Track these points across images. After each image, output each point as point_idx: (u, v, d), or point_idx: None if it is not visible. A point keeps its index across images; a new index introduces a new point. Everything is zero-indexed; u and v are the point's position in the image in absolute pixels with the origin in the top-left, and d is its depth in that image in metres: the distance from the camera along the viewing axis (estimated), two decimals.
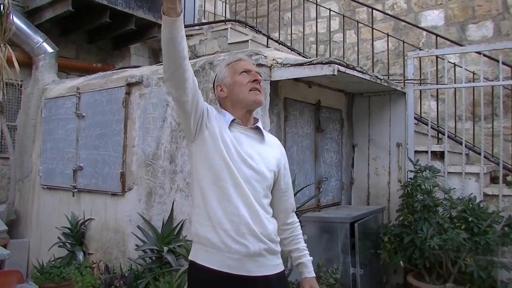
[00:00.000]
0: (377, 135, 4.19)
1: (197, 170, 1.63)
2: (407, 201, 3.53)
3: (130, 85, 3.78)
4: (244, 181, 1.58)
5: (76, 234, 3.97)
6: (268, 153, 1.70)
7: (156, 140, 3.54)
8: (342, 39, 5.86)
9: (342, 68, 3.01)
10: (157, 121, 3.55)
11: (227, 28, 5.36)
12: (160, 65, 4.15)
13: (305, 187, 3.43)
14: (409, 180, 3.65)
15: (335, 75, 2.94)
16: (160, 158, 3.49)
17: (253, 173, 1.61)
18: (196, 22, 5.99)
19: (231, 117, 1.66)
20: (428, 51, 4.09)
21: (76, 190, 4.13)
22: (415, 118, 4.19)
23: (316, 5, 5.28)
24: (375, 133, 4.22)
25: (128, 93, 3.79)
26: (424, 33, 5.52)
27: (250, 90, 1.67)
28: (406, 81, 4.06)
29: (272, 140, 1.78)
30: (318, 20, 5.53)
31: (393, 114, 4.10)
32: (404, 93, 4.01)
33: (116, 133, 3.83)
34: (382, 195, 4.12)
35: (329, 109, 3.96)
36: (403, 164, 3.99)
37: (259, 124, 1.73)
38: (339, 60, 3.05)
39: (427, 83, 4.12)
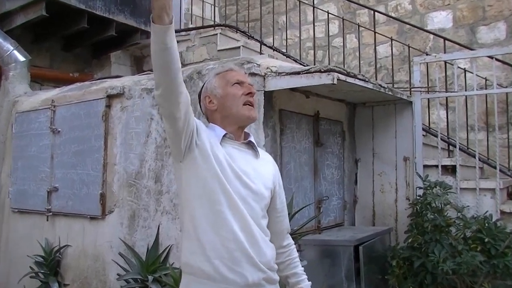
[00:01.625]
0: (382, 148, 4.24)
1: (186, 192, 1.62)
2: (417, 220, 3.54)
3: (110, 97, 3.81)
4: (241, 201, 1.59)
5: (51, 263, 3.93)
6: (263, 169, 1.72)
7: (140, 158, 3.56)
8: (342, 44, 5.90)
9: (342, 77, 3.05)
10: (141, 136, 3.57)
11: (216, 34, 5.43)
12: (144, 74, 4.17)
13: (304, 207, 3.45)
14: (418, 197, 3.68)
15: (335, 84, 2.98)
16: (144, 177, 3.51)
17: (249, 192, 1.62)
18: (182, 27, 6.06)
19: (223, 131, 1.67)
20: (435, 56, 4.15)
21: (50, 213, 4.10)
22: (423, 129, 4.25)
23: (313, 7, 5.32)
24: (379, 146, 4.26)
25: (108, 106, 3.81)
26: (431, 36, 5.61)
27: (243, 104, 1.68)
28: (412, 89, 4.12)
29: (265, 156, 1.81)
30: (315, 24, 5.58)
31: (399, 125, 4.15)
32: (411, 102, 4.07)
33: (96, 150, 3.84)
34: (388, 214, 4.15)
35: (329, 121, 4.01)
36: (411, 180, 4.03)
37: (252, 139, 1.75)
38: (338, 67, 3.09)
39: (436, 91, 4.19)
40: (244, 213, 1.58)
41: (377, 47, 4.85)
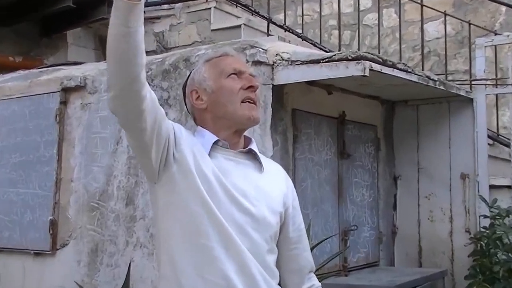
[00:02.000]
0: (431, 162, 4.37)
1: (163, 221, 1.68)
2: (482, 262, 3.66)
3: (67, 90, 3.98)
4: (237, 232, 1.63)
5: None
6: (270, 186, 1.76)
7: (106, 172, 3.73)
8: (376, 22, 5.98)
9: (376, 66, 3.21)
10: (108, 143, 3.74)
11: (209, 8, 5.58)
12: None
13: (325, 240, 3.58)
14: (482, 229, 3.83)
15: (366, 76, 3.13)
16: (112, 198, 3.68)
17: (248, 219, 1.65)
18: None
19: (213, 138, 1.73)
20: (508, 36, 4.30)
21: None
22: (489, 136, 4.39)
23: None
24: (427, 159, 4.39)
25: (64, 103, 3.99)
26: (503, 8, 5.74)
27: (242, 102, 1.73)
28: (473, 82, 4.29)
29: (272, 168, 1.87)
30: None
31: (455, 131, 4.29)
32: (471, 99, 4.22)
33: (45, 162, 4.00)
34: (441, 251, 4.27)
35: (358, 125, 4.16)
36: (471, 206, 4.17)
37: (253, 146, 1.80)
38: (371, 54, 3.25)
39: (507, 84, 4.33)
40: (240, 248, 1.61)
41: (425, 26, 4.98)
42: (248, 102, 1.74)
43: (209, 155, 1.69)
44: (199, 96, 1.78)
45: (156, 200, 1.70)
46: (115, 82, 1.51)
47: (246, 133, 1.83)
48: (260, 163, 1.78)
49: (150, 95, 1.56)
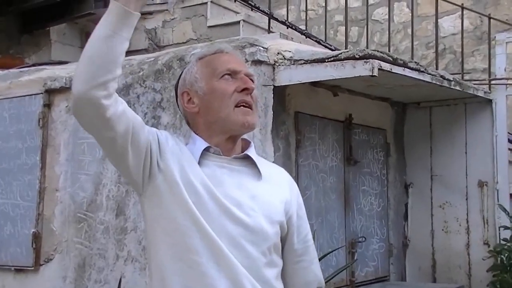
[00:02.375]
0: (446, 168, 4.37)
1: (152, 236, 1.72)
2: (502, 277, 3.67)
3: (51, 92, 4.00)
4: (229, 246, 1.64)
5: None
6: (270, 194, 1.77)
7: (95, 180, 3.74)
8: (386, 17, 6.04)
9: (386, 65, 3.20)
10: (96, 149, 3.74)
11: (206, 2, 5.60)
12: None
13: (331, 252, 3.60)
14: (502, 242, 3.83)
15: (375, 76, 3.13)
16: (101, 209, 3.68)
17: (242, 230, 1.67)
18: None
19: (203, 145, 1.73)
20: None
21: None
22: (509, 140, 4.39)
23: None
24: (441, 165, 4.40)
25: (47, 105, 4.01)
26: None
27: (236, 106, 1.73)
28: (493, 82, 4.30)
29: (274, 173, 1.87)
30: None
31: (472, 135, 4.29)
32: (491, 100, 4.22)
33: (28, 170, 4.01)
34: (457, 266, 4.26)
35: (366, 129, 4.18)
36: (490, 216, 4.17)
37: (251, 152, 1.80)
38: (381, 52, 3.24)
39: None
40: (232, 263, 1.62)
41: (440, 20, 4.98)
42: (243, 106, 1.73)
43: (200, 163, 1.70)
44: (190, 98, 1.79)
45: (144, 213, 1.74)
46: (89, 77, 1.51)
47: (245, 135, 1.82)
48: (258, 169, 1.77)
49: (121, 105, 1.57)
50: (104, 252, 3.68)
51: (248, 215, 1.68)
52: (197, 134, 1.78)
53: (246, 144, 1.83)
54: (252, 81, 1.79)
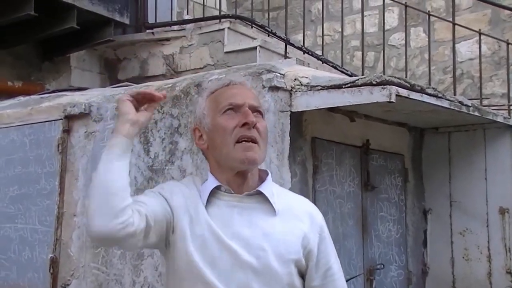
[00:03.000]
0: (465, 194, 4.35)
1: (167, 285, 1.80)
2: None
3: (70, 118, 4.04)
4: None
5: None
6: (283, 231, 1.74)
7: None
8: (403, 42, 6.03)
9: (403, 91, 3.22)
10: None
11: (223, 29, 5.64)
12: (119, 86, 4.43)
13: (349, 280, 3.52)
14: None
15: (392, 102, 3.14)
16: None
17: (251, 275, 1.66)
18: (174, 18, 6.29)
19: (213, 184, 1.74)
20: None
21: None
22: None
23: None
24: (461, 191, 4.38)
25: (67, 131, 4.05)
26: None
27: (237, 142, 1.71)
28: None
29: (295, 204, 1.84)
30: (365, 13, 5.73)
31: (491, 161, 4.28)
32: (510, 126, 4.22)
33: (46, 195, 4.04)
34: None
35: (384, 154, 4.19)
36: None
37: (266, 184, 1.77)
38: (398, 78, 3.26)
39: None
40: None
41: (457, 46, 4.97)
42: (245, 141, 1.71)
43: (210, 202, 1.72)
44: (201, 135, 1.80)
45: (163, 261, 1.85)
46: (99, 217, 1.58)
47: (262, 164, 1.81)
48: (272, 204, 1.76)
49: (136, 214, 1.63)
50: (120, 277, 3.68)
51: (257, 257, 1.68)
52: (210, 171, 1.80)
53: (263, 174, 1.81)
54: (260, 112, 1.77)
